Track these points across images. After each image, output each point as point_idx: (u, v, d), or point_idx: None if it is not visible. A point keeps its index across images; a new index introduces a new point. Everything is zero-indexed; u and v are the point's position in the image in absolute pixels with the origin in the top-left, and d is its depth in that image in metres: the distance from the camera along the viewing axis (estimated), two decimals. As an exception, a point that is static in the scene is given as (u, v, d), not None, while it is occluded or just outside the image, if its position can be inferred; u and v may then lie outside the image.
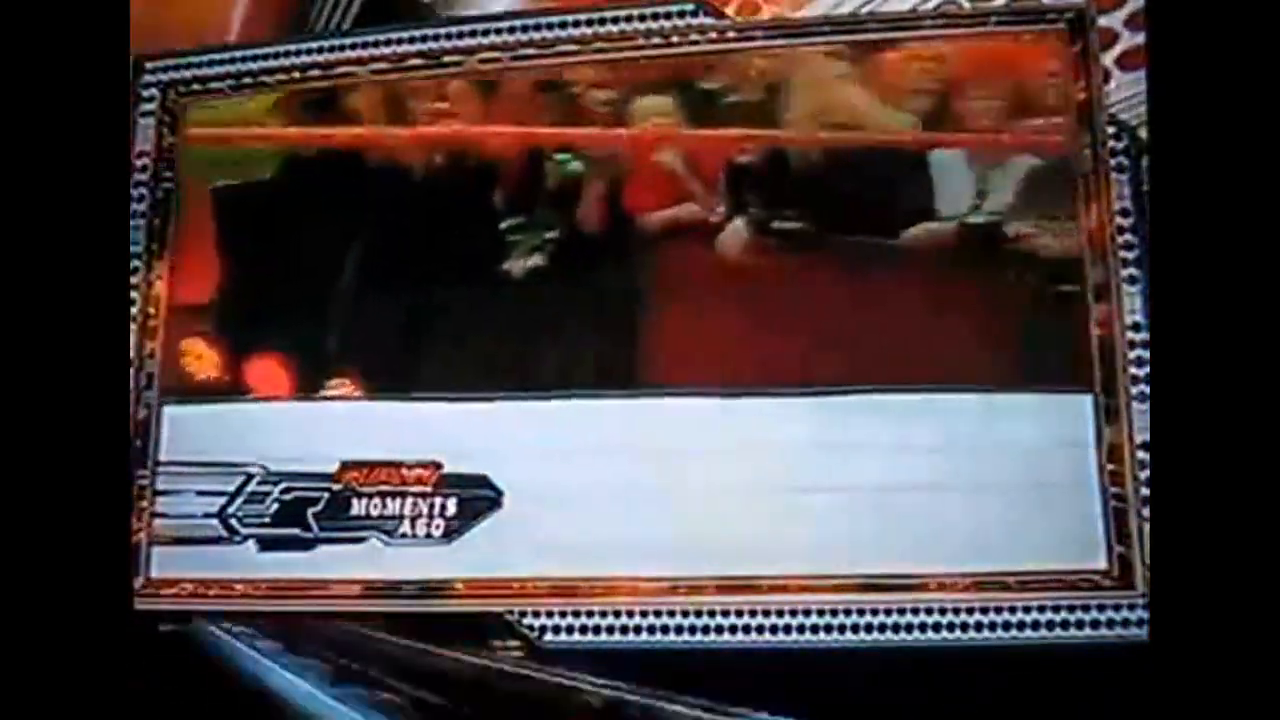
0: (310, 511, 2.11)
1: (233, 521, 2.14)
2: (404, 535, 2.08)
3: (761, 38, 2.17)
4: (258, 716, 2.12)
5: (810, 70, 2.16)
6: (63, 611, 1.54)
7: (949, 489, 1.94)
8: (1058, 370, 1.94)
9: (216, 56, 2.32)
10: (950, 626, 1.85)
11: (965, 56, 2.08)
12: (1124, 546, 1.84)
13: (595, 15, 2.18)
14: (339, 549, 2.09)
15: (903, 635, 1.86)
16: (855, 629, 1.88)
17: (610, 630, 1.94)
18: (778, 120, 2.14)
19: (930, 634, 1.86)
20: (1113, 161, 1.96)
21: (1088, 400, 1.91)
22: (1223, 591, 1.37)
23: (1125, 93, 2.01)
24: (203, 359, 2.25)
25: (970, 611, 1.86)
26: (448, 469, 2.09)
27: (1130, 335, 1.91)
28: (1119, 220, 1.95)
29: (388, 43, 2.27)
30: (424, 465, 2.13)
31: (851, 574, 1.91)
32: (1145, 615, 1.79)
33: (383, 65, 2.28)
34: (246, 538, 2.12)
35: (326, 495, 2.12)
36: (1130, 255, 1.94)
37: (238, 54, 2.33)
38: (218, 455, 2.18)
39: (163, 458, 2.19)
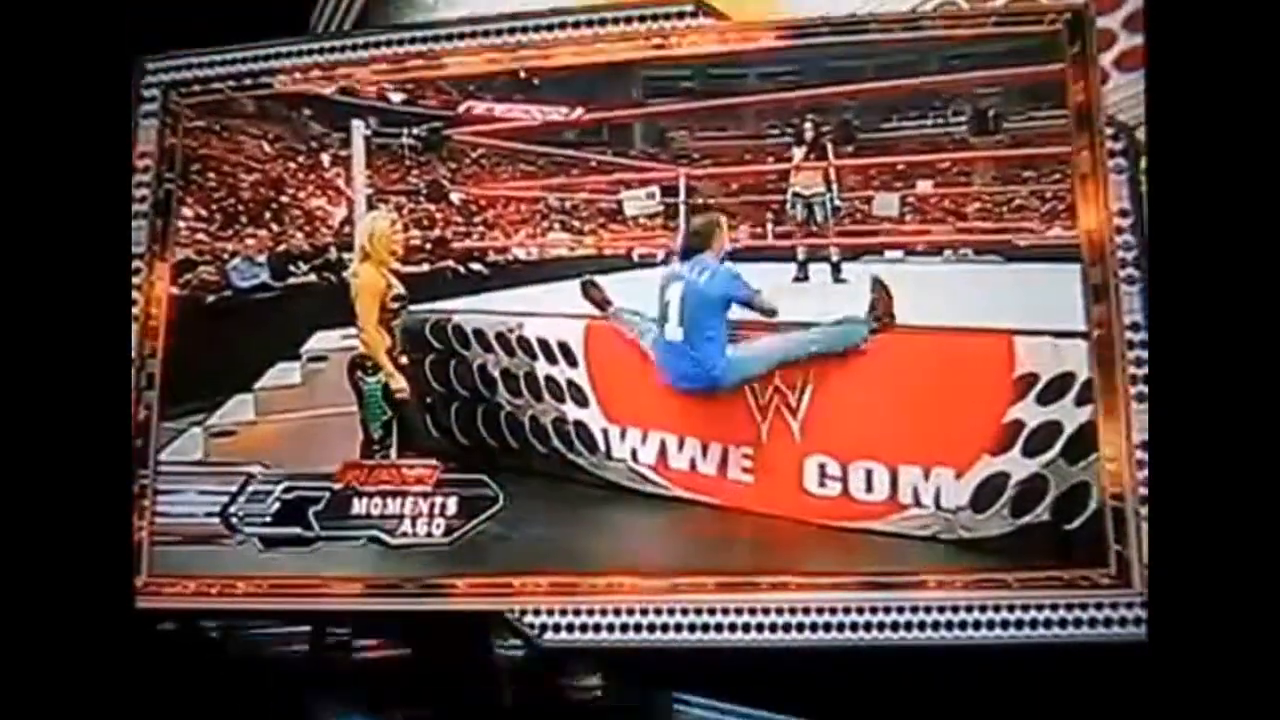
0: (311, 510, 2.12)
1: (234, 520, 2.14)
2: (404, 534, 2.08)
3: (762, 39, 2.18)
4: (257, 715, 2.12)
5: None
6: (65, 610, 1.54)
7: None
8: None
9: (217, 57, 2.33)
10: (950, 625, 1.85)
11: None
12: (1122, 546, 1.84)
13: (595, 16, 2.19)
14: (340, 548, 2.09)
15: (902, 634, 1.86)
16: (855, 628, 1.88)
17: (610, 629, 1.95)
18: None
19: (930, 632, 1.86)
20: (1111, 162, 1.96)
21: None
22: (1220, 591, 1.38)
23: (1123, 93, 2.01)
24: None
25: (970, 610, 1.86)
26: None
27: (1129, 335, 1.91)
28: (1118, 220, 1.95)
29: (388, 43, 2.28)
30: (424, 465, 2.14)
31: (851, 572, 1.92)
32: (1143, 614, 1.79)
33: (382, 65, 2.28)
34: (248, 537, 2.13)
35: (328, 495, 2.12)
36: (1129, 255, 1.94)
37: (238, 54, 2.33)
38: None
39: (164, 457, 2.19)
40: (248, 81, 2.33)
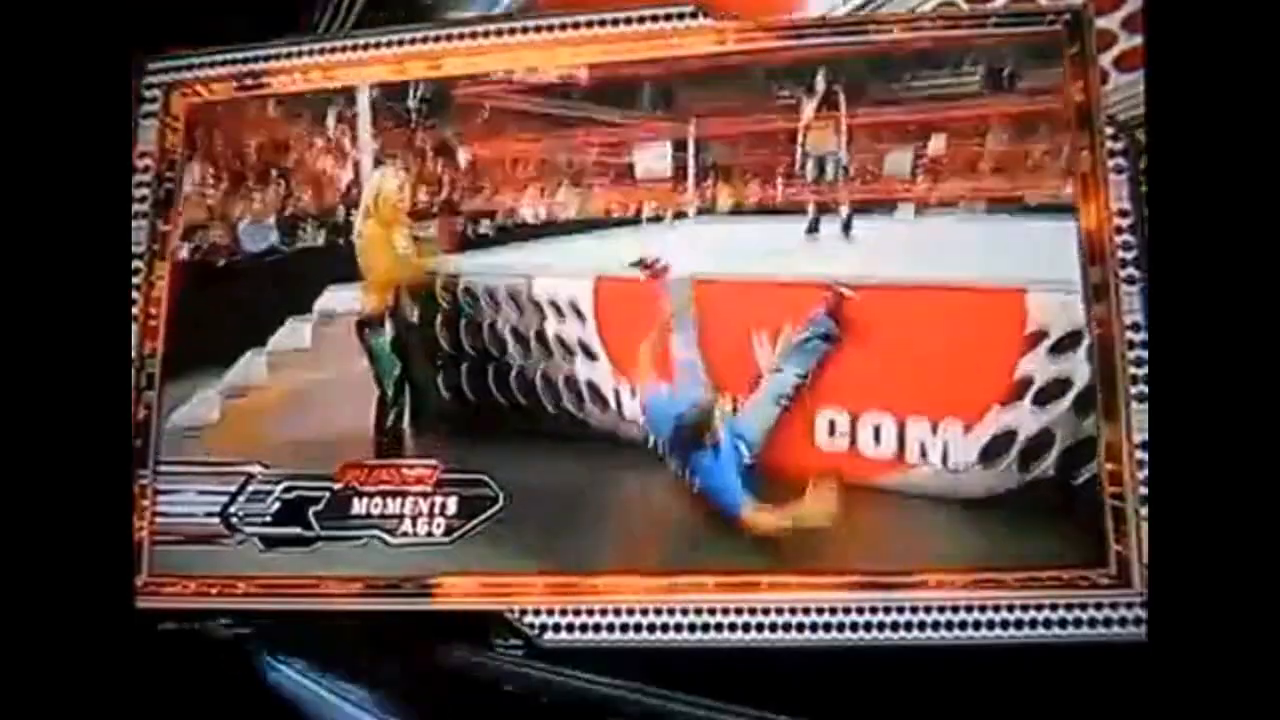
0: (311, 510, 2.12)
1: (234, 520, 2.14)
2: (405, 534, 2.08)
3: (760, 39, 2.18)
4: (258, 716, 2.12)
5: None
6: (64, 610, 1.54)
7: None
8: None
9: (219, 57, 2.33)
10: (949, 625, 1.86)
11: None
12: (1122, 546, 1.84)
13: (595, 16, 2.19)
14: (340, 548, 2.09)
15: (902, 634, 1.87)
16: (855, 628, 1.88)
17: (610, 629, 1.95)
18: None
19: (930, 632, 1.86)
20: (1111, 162, 1.96)
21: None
22: (1221, 591, 1.38)
23: (1123, 93, 2.01)
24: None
25: (969, 610, 1.86)
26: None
27: (1129, 335, 1.91)
28: (1117, 220, 1.95)
29: (389, 43, 2.28)
30: (424, 465, 2.14)
31: (851, 571, 1.91)
32: (1143, 614, 1.79)
33: (383, 66, 2.28)
34: (248, 536, 2.13)
35: (328, 494, 2.12)
36: (1129, 255, 1.94)
37: (238, 54, 2.33)
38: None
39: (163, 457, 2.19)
40: (248, 81, 2.33)
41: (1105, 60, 2.03)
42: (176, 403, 2.21)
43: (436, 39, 2.26)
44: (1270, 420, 1.40)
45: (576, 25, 2.20)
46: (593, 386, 2.27)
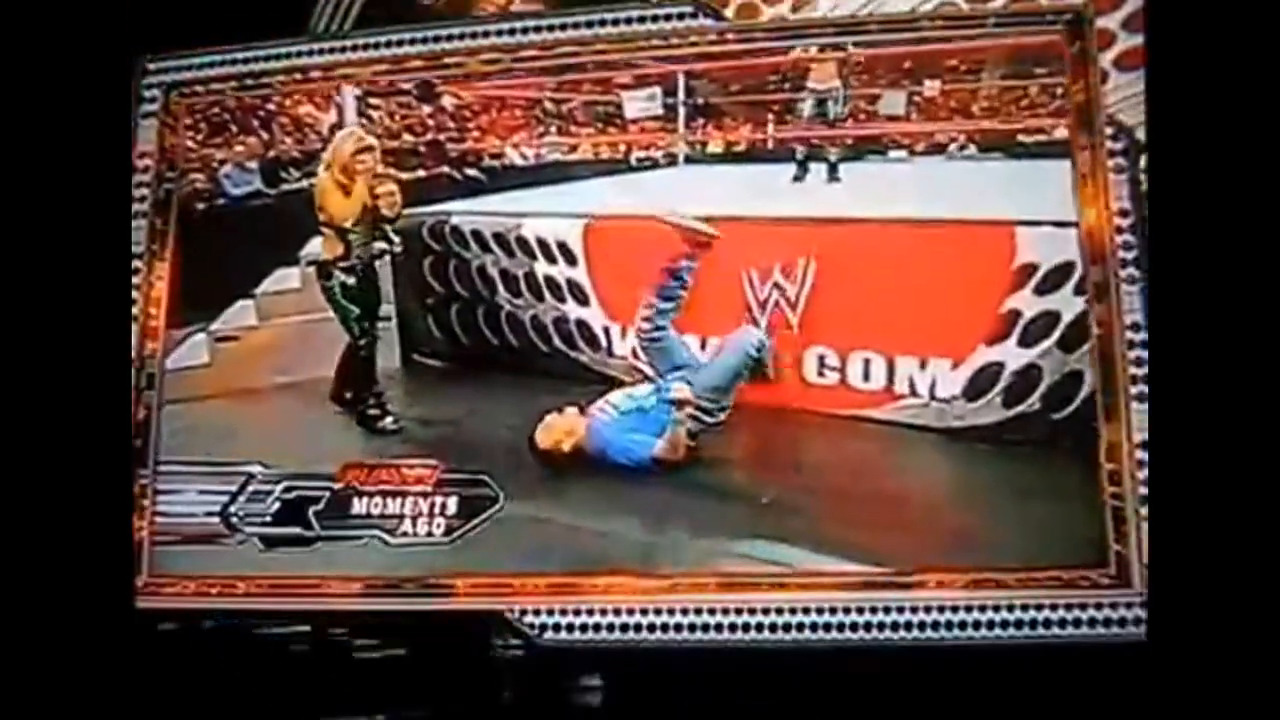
0: (311, 510, 2.12)
1: (234, 520, 2.14)
2: (404, 534, 2.08)
3: (761, 39, 2.18)
4: (258, 715, 2.12)
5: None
6: (65, 609, 1.54)
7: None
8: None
9: (218, 57, 2.33)
10: (949, 625, 1.86)
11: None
12: (1122, 546, 1.84)
13: (595, 16, 2.19)
14: (340, 548, 2.09)
15: (902, 634, 1.87)
16: (855, 628, 1.88)
17: (610, 629, 1.95)
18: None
19: (930, 632, 1.86)
20: (1111, 162, 1.97)
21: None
22: (1220, 591, 1.38)
23: (1123, 93, 2.02)
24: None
25: (969, 610, 1.86)
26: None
27: (1129, 335, 1.91)
28: (1118, 220, 1.96)
29: (388, 44, 2.28)
30: (424, 465, 2.14)
31: (852, 571, 1.92)
32: (1143, 614, 1.79)
33: (383, 66, 2.28)
34: (248, 536, 2.13)
35: (328, 494, 2.13)
36: (1129, 255, 1.94)
37: (239, 55, 2.33)
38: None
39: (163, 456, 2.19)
40: (248, 82, 2.34)
41: (1105, 60, 2.03)
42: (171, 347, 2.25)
43: (436, 39, 2.26)
44: (1270, 420, 1.40)
45: (576, 25, 2.20)
46: (583, 326, 2.28)
